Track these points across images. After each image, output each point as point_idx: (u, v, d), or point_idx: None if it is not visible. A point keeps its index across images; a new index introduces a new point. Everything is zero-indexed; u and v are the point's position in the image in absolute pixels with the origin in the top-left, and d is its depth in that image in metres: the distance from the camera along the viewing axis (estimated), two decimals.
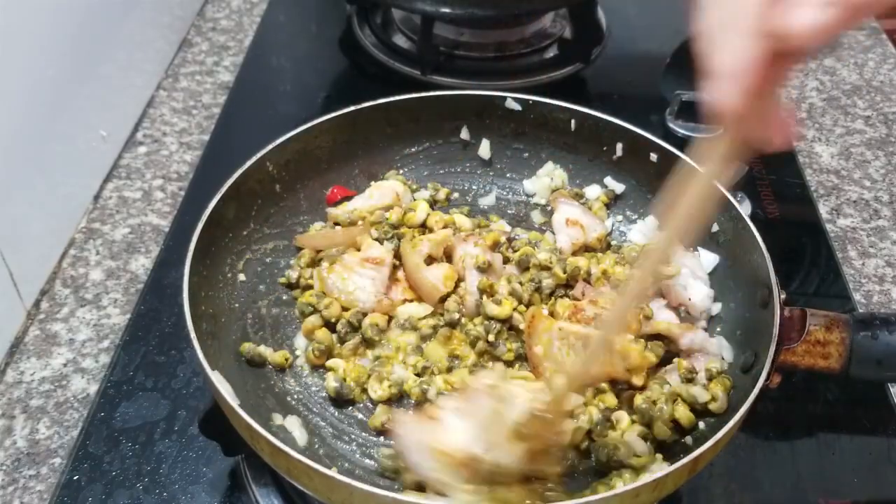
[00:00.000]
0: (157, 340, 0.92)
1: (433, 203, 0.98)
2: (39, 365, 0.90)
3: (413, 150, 1.00)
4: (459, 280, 0.86)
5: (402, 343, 0.82)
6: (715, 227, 0.88)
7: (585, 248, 0.92)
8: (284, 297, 0.88)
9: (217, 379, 0.69)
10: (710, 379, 0.78)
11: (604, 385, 0.78)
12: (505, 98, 0.98)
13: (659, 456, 0.73)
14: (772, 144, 0.53)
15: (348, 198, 0.97)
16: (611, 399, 0.77)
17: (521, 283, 0.85)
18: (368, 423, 0.78)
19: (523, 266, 0.88)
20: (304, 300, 0.86)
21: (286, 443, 0.64)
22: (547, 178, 0.99)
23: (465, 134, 1.00)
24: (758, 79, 0.49)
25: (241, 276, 0.86)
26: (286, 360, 0.81)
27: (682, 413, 0.75)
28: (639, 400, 0.76)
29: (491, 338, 0.80)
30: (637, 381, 0.78)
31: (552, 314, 0.82)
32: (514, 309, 0.82)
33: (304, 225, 0.94)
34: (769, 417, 0.86)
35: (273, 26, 1.45)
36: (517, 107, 0.98)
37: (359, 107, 0.94)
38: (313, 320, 0.83)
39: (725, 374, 0.78)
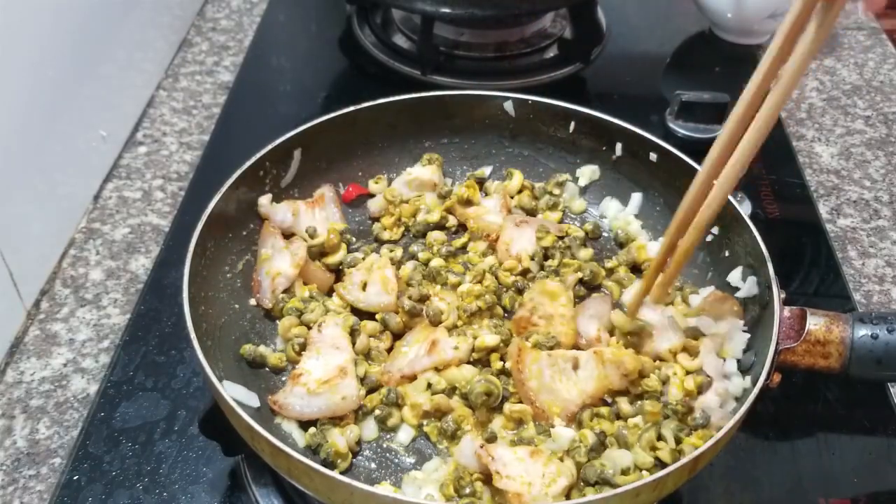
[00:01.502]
0: (157, 340, 0.92)
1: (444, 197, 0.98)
2: (39, 365, 0.90)
3: (413, 150, 1.00)
4: None
5: None
6: (715, 230, 0.88)
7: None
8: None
9: (227, 387, 0.69)
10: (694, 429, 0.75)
11: (602, 410, 0.76)
12: (505, 98, 0.98)
13: (645, 473, 0.72)
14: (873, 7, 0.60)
15: (364, 196, 0.98)
16: (608, 425, 0.75)
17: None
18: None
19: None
20: (291, 305, 0.85)
21: (286, 443, 0.64)
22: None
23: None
24: None
25: (241, 277, 0.86)
26: (281, 361, 0.81)
27: (664, 450, 0.73)
28: (614, 428, 0.75)
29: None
30: (634, 389, 0.77)
31: (506, 342, 0.81)
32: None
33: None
34: (769, 417, 0.86)
35: (273, 26, 1.45)
36: (512, 109, 0.98)
37: (358, 107, 0.94)
38: (287, 322, 0.83)
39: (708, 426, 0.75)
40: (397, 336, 0.84)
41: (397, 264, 0.90)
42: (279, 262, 0.86)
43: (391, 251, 0.91)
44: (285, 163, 0.91)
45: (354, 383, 0.76)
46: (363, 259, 0.89)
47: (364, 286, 0.85)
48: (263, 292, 0.85)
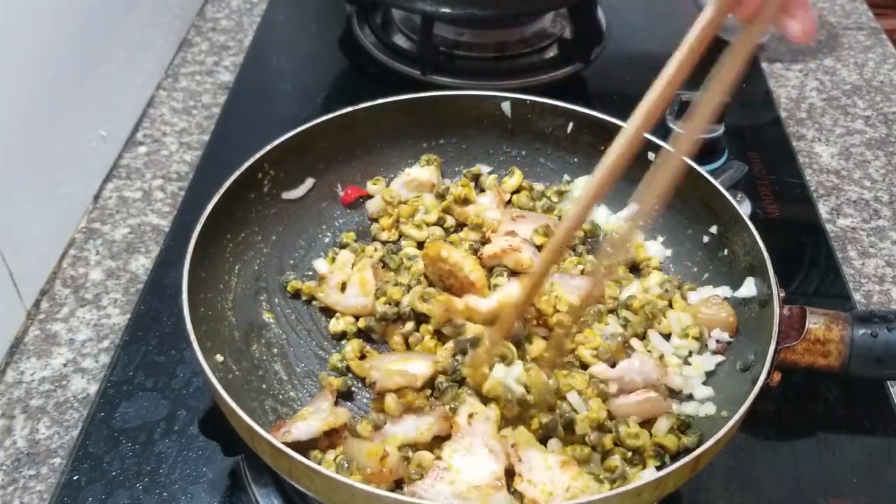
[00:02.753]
0: (157, 340, 0.92)
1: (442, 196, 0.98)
2: (39, 365, 0.90)
3: (412, 150, 1.00)
4: None
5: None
6: (714, 229, 0.88)
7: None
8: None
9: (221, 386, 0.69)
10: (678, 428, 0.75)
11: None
12: (505, 98, 0.98)
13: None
14: (791, 34, 0.61)
15: (363, 198, 0.98)
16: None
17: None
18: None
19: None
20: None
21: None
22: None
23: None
24: None
25: (240, 278, 0.86)
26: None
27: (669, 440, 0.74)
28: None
29: None
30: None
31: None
32: None
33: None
34: (769, 417, 0.86)
35: (273, 26, 1.45)
36: (509, 110, 0.98)
37: (357, 107, 0.94)
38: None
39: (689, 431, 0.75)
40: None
41: (381, 262, 0.90)
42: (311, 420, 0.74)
43: (375, 250, 0.91)
44: (285, 165, 0.91)
45: None
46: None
47: (342, 287, 0.85)
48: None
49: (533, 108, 0.98)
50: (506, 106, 0.98)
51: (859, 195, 1.16)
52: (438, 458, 0.70)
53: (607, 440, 0.73)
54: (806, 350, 0.74)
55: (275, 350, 0.83)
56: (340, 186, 0.97)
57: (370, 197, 0.98)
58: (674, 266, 0.92)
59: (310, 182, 0.94)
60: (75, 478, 0.79)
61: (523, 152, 1.01)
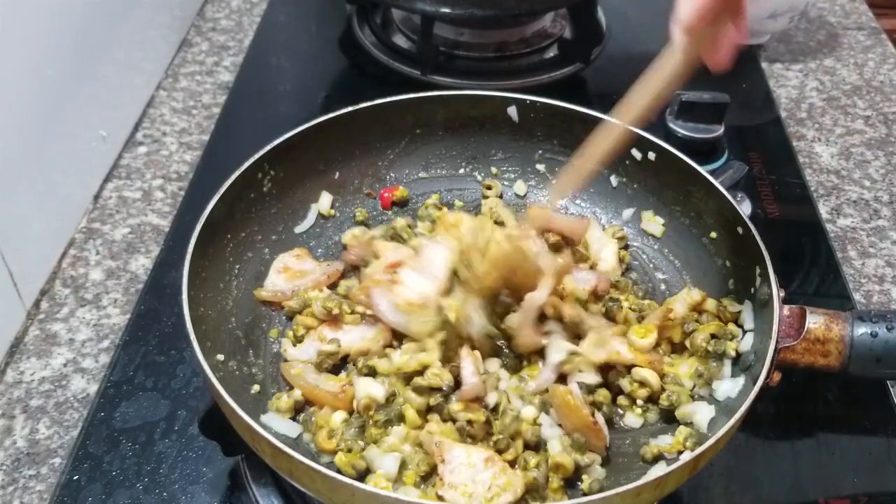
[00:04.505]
0: (157, 340, 0.92)
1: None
2: (39, 365, 0.90)
3: (412, 150, 1.00)
4: None
5: None
6: (714, 234, 0.88)
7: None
8: None
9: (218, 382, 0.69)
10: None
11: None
12: (505, 98, 0.98)
13: None
14: (713, 64, 0.74)
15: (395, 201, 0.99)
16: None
17: None
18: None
19: None
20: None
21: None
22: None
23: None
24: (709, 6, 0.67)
25: (240, 278, 0.86)
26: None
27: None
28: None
29: None
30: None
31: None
32: None
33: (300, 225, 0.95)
34: (769, 417, 0.86)
35: (273, 26, 1.45)
36: (517, 110, 0.98)
37: (356, 107, 0.94)
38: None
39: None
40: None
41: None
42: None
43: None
44: (285, 165, 0.91)
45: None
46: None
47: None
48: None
49: (535, 108, 0.97)
50: (512, 110, 0.97)
51: (859, 195, 1.16)
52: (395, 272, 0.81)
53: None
54: (806, 350, 0.74)
55: (275, 349, 0.84)
56: (375, 188, 0.99)
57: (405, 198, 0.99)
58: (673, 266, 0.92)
59: (314, 208, 0.95)
60: (75, 478, 0.79)
61: (524, 152, 1.01)
